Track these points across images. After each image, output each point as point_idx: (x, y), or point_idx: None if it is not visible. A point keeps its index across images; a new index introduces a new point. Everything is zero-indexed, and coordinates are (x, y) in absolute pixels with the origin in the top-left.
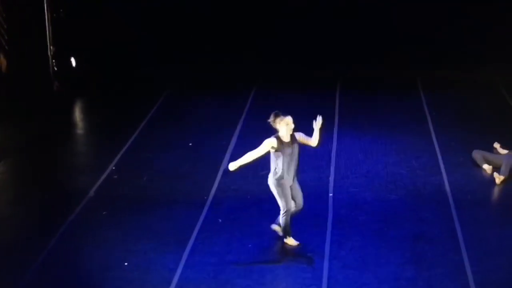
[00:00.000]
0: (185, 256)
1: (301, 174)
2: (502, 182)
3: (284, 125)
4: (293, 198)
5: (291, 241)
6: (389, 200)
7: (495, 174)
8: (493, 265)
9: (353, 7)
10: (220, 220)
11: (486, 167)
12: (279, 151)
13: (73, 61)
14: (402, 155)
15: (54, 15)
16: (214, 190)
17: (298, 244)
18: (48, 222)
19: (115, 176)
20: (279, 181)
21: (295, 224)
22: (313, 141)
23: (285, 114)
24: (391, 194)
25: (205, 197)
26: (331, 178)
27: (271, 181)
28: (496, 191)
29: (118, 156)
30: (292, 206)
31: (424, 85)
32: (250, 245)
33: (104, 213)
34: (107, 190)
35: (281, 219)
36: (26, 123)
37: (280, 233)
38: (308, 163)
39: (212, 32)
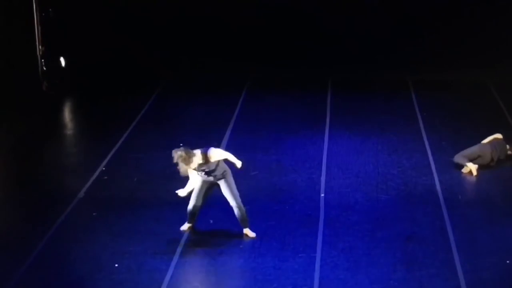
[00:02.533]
0: (176, 257)
1: (292, 174)
2: (477, 170)
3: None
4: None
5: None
6: (380, 200)
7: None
8: (484, 265)
9: (344, 8)
10: (211, 221)
11: (471, 165)
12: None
13: (62, 61)
14: (393, 155)
15: (43, 14)
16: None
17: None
18: (37, 223)
19: (105, 177)
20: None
21: (286, 224)
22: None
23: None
24: (382, 195)
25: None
26: (323, 179)
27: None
28: (487, 191)
29: (108, 157)
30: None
31: (415, 85)
32: (241, 246)
33: (94, 214)
34: (97, 191)
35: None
36: (14, 123)
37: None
38: (299, 164)
39: (203, 31)
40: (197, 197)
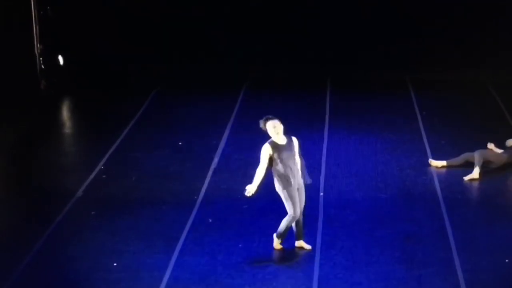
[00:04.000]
0: (175, 256)
1: None
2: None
3: (271, 128)
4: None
5: (277, 244)
6: (380, 199)
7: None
8: (484, 264)
9: (344, 7)
10: (210, 220)
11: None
12: (275, 156)
13: (60, 59)
14: (393, 154)
15: (41, 12)
16: (204, 189)
17: (281, 248)
18: (36, 222)
19: (104, 176)
20: (286, 185)
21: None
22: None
23: (274, 117)
24: (381, 194)
25: (195, 197)
26: (322, 178)
27: (277, 187)
28: (486, 190)
29: (107, 155)
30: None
31: (414, 85)
32: (240, 245)
33: (92, 213)
34: (95, 190)
35: (284, 221)
36: (13, 122)
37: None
38: None
39: (201, 31)
40: (297, 204)
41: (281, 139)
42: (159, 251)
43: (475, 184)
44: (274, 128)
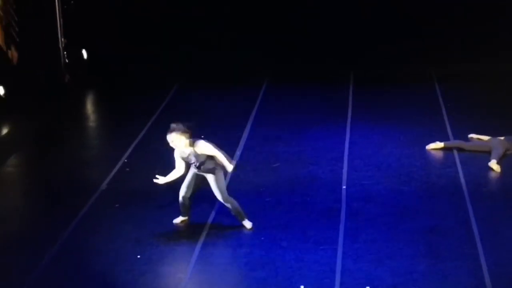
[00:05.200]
0: (198, 249)
1: (314, 166)
2: (499, 164)
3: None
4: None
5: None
6: (403, 192)
7: (491, 163)
8: (509, 258)
9: (367, 1)
10: (233, 213)
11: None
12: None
13: (84, 53)
14: (416, 147)
15: (65, 6)
16: (227, 182)
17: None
18: (61, 215)
19: (127, 169)
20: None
21: (308, 216)
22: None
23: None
24: (405, 187)
25: None
26: (344, 171)
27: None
28: (511, 183)
29: (130, 148)
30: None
31: (439, 76)
32: (262, 238)
33: (116, 206)
34: (119, 183)
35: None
36: (37, 116)
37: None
38: (321, 156)
39: (224, 25)
40: (187, 188)
41: (182, 149)
42: (182, 244)
43: (501, 177)
44: (172, 142)
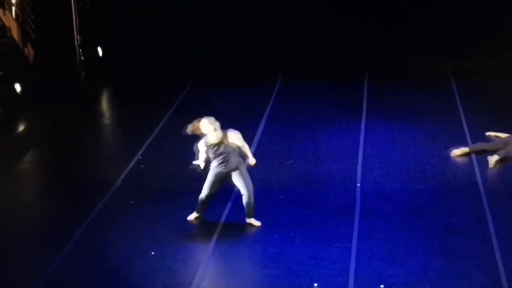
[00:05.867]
0: (211, 246)
1: (328, 164)
2: (497, 162)
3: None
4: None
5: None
6: (418, 190)
7: (492, 157)
8: None
9: None
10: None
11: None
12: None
13: (99, 50)
14: (432, 144)
15: (81, 4)
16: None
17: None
18: (76, 211)
19: (142, 166)
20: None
21: (322, 214)
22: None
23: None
24: (420, 185)
25: (231, 187)
26: (359, 168)
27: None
28: None
29: (145, 145)
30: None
31: (455, 73)
32: (276, 235)
33: (131, 202)
34: (134, 180)
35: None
36: (53, 113)
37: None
38: (335, 153)
39: (238, 22)
40: (211, 186)
41: (214, 138)
42: (196, 241)
43: None
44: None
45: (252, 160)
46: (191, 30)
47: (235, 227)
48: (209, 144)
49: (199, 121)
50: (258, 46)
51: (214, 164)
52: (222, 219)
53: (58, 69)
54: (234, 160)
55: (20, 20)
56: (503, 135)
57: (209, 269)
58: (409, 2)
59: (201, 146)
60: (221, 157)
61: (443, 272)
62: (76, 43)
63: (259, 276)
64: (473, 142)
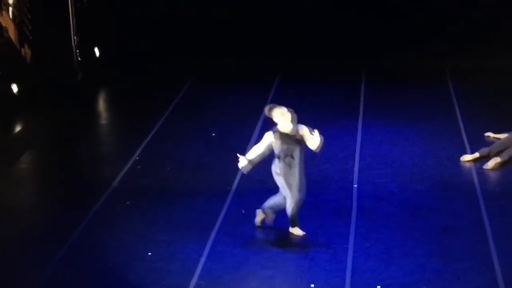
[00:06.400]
0: (208, 246)
1: (325, 164)
2: (497, 164)
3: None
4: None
5: (296, 231)
6: (415, 191)
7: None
8: None
9: None
10: (243, 211)
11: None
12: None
13: (96, 51)
14: (429, 145)
15: (78, 4)
16: (237, 180)
17: (304, 234)
18: (72, 211)
19: (139, 167)
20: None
21: (319, 215)
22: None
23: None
24: (417, 185)
25: (228, 188)
26: (356, 169)
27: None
28: None
29: (142, 146)
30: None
31: (453, 73)
32: (273, 236)
33: (127, 203)
34: (130, 180)
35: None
36: (50, 113)
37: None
38: (332, 154)
39: (235, 21)
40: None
41: (288, 129)
42: (192, 241)
43: None
44: (283, 116)
45: (317, 147)
46: (189, 30)
47: (233, 227)
48: (282, 131)
49: (276, 107)
50: (256, 46)
51: (281, 160)
52: (219, 220)
53: (56, 70)
54: (297, 151)
55: (17, 20)
56: (502, 136)
57: (206, 270)
58: (407, 2)
59: (267, 137)
60: (296, 146)
61: (440, 273)
62: (73, 43)
63: (256, 276)
64: (470, 143)
